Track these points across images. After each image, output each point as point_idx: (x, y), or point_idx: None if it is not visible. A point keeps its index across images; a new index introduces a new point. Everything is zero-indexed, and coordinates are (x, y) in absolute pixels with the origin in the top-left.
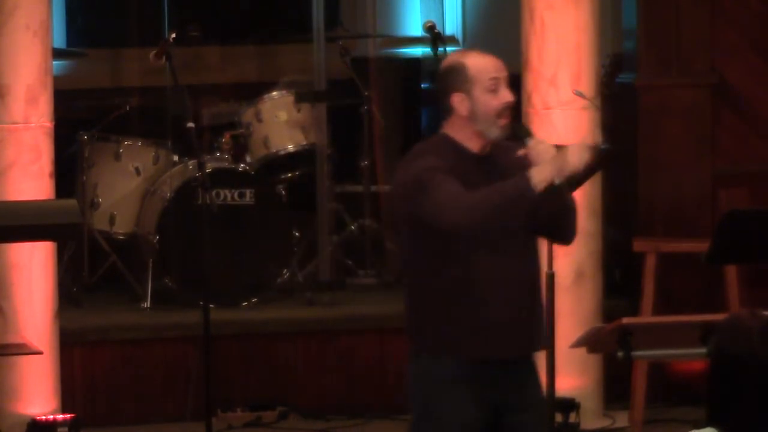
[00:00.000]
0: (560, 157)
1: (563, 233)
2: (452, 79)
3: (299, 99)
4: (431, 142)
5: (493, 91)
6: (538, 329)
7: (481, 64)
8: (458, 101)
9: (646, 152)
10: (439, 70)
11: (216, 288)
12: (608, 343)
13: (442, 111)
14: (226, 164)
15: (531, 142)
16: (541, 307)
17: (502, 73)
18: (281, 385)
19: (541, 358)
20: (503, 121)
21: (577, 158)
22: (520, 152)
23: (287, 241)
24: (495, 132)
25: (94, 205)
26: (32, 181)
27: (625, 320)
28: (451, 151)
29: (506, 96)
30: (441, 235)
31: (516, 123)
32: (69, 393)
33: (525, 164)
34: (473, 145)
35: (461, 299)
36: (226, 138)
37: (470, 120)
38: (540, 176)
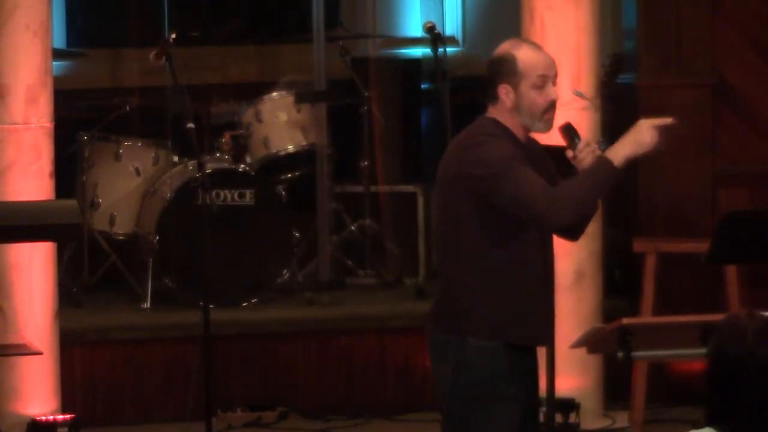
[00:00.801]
0: (635, 135)
1: (579, 228)
2: (502, 69)
3: (299, 99)
4: (486, 125)
5: (540, 87)
6: (553, 323)
7: (531, 60)
8: (504, 93)
9: None
10: (491, 56)
11: (216, 288)
12: (608, 344)
13: (488, 96)
14: (226, 165)
15: (579, 145)
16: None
17: (551, 71)
18: (281, 385)
19: (540, 358)
20: (547, 117)
21: (649, 135)
22: (569, 154)
23: (287, 241)
24: (540, 127)
25: (94, 205)
26: (32, 181)
27: (625, 320)
28: (504, 135)
29: (551, 94)
30: (509, 219)
31: (568, 125)
32: (69, 393)
33: (551, 151)
34: (518, 133)
35: (515, 282)
36: (226, 138)
37: (514, 112)
38: (619, 156)
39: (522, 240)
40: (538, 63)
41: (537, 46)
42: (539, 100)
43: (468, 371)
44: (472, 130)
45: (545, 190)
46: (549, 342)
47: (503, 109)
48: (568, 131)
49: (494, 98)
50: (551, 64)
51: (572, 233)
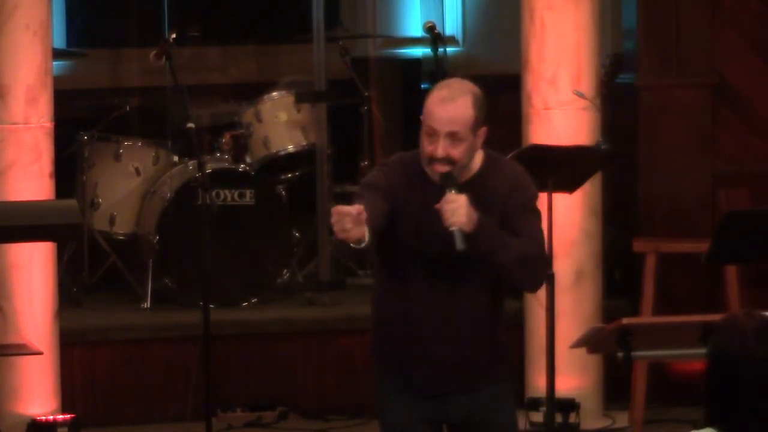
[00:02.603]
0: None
1: (513, 283)
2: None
3: (299, 99)
4: (408, 154)
5: (429, 136)
6: (475, 365)
7: (429, 109)
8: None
9: (646, 152)
10: None
11: (216, 288)
12: (608, 344)
13: None
14: (226, 164)
15: (447, 197)
16: (485, 341)
17: (444, 128)
18: (281, 385)
19: (541, 359)
20: (433, 168)
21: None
22: (437, 206)
23: (287, 241)
24: (429, 172)
25: (94, 205)
26: (32, 181)
27: (625, 320)
28: (413, 170)
29: (435, 150)
30: (379, 254)
31: (448, 174)
32: (69, 393)
33: (500, 194)
34: (429, 172)
35: (395, 323)
36: (226, 138)
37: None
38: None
39: (409, 285)
40: (432, 115)
41: (450, 97)
42: (426, 147)
43: (375, 392)
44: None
45: None
46: (449, 386)
47: None
48: (445, 179)
49: None
50: (448, 121)
51: (515, 286)
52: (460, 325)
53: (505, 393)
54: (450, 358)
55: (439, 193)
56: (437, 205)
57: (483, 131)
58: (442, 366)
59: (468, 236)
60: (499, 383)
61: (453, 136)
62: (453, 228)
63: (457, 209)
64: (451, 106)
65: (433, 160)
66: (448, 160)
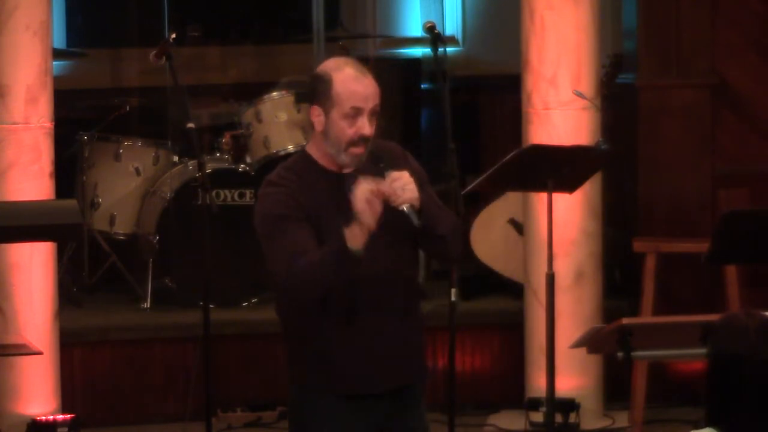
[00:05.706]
0: (366, 210)
1: (443, 255)
2: (317, 88)
3: (299, 99)
4: (292, 162)
5: (351, 118)
6: (410, 360)
7: (347, 89)
8: (316, 115)
9: (646, 152)
10: (313, 72)
11: (216, 288)
12: (608, 344)
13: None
14: (226, 165)
15: (391, 175)
16: (415, 336)
17: (369, 104)
18: (281, 385)
19: (541, 359)
20: (353, 151)
21: (362, 204)
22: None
23: None
24: (343, 160)
25: (94, 205)
26: (32, 181)
27: (625, 320)
28: (309, 172)
29: (363, 128)
30: None
31: (376, 154)
32: (69, 393)
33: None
34: (328, 163)
35: (329, 332)
36: (226, 138)
37: (323, 138)
38: (353, 236)
39: (341, 288)
40: (354, 94)
41: (361, 72)
42: (348, 131)
43: (293, 415)
44: (272, 174)
45: (291, 259)
46: (390, 383)
47: (315, 135)
48: (377, 159)
49: (309, 122)
50: (370, 96)
51: (436, 258)
52: (396, 319)
53: (422, 397)
54: (388, 353)
55: (342, 180)
56: (381, 188)
57: None
58: (384, 362)
59: (417, 212)
60: (420, 389)
61: (374, 111)
62: (404, 206)
63: (407, 184)
64: (368, 80)
65: (360, 140)
66: (367, 140)
